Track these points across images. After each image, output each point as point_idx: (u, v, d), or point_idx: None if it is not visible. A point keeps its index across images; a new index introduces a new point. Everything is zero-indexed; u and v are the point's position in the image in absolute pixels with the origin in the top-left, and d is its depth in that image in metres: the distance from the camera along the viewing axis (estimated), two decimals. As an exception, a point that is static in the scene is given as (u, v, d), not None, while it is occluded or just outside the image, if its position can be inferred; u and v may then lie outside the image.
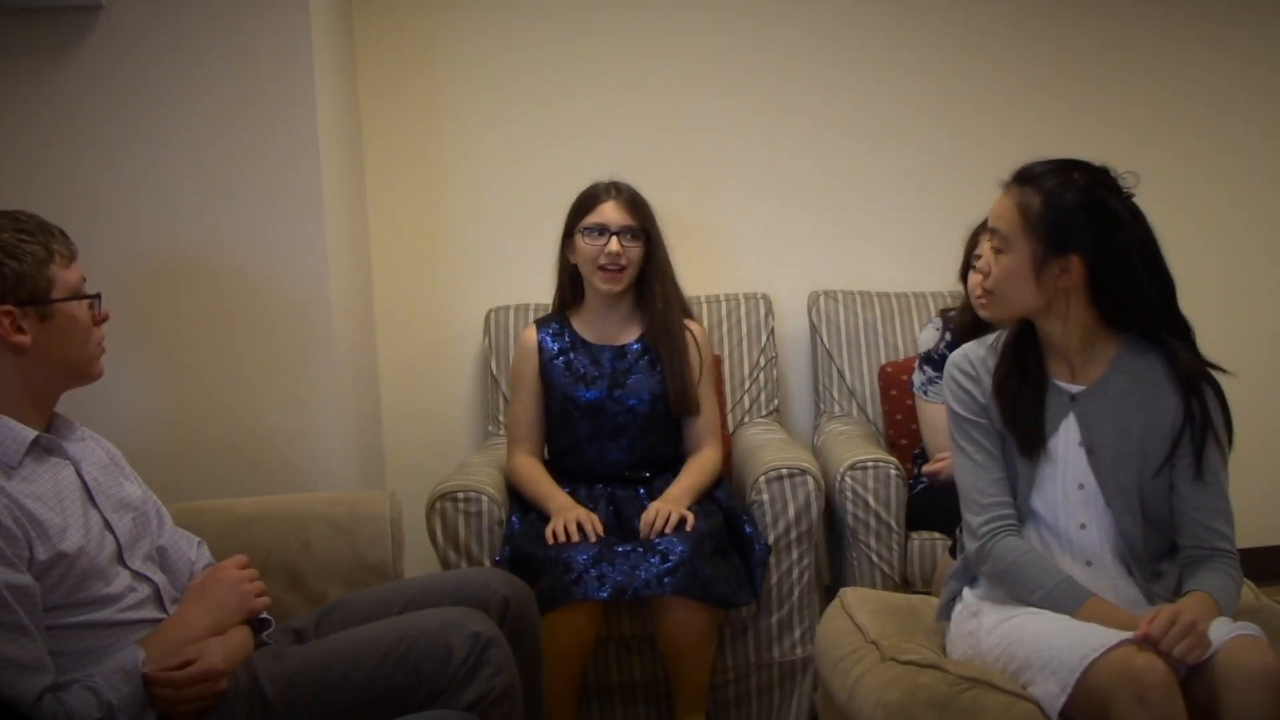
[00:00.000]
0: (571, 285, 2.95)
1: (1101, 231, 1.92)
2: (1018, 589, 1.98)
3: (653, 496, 2.80)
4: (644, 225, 2.84)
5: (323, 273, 2.76)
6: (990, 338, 2.12)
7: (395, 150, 3.47)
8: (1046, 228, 1.93)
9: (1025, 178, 1.98)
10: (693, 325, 2.94)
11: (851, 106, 3.61)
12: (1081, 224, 1.92)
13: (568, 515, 2.65)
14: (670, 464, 2.91)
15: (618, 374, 2.87)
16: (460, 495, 2.71)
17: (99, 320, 1.93)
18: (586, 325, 2.93)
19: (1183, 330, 2.00)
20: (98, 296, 1.93)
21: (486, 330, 3.41)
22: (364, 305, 3.32)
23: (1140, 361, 2.00)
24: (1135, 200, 1.97)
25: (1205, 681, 1.75)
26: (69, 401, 1.95)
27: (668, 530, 2.60)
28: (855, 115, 3.61)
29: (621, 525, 2.75)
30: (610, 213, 2.82)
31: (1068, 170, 1.96)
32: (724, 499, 2.83)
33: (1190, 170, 3.71)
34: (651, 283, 2.87)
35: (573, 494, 2.81)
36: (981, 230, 2.82)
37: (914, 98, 3.62)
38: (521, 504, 2.84)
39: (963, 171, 3.55)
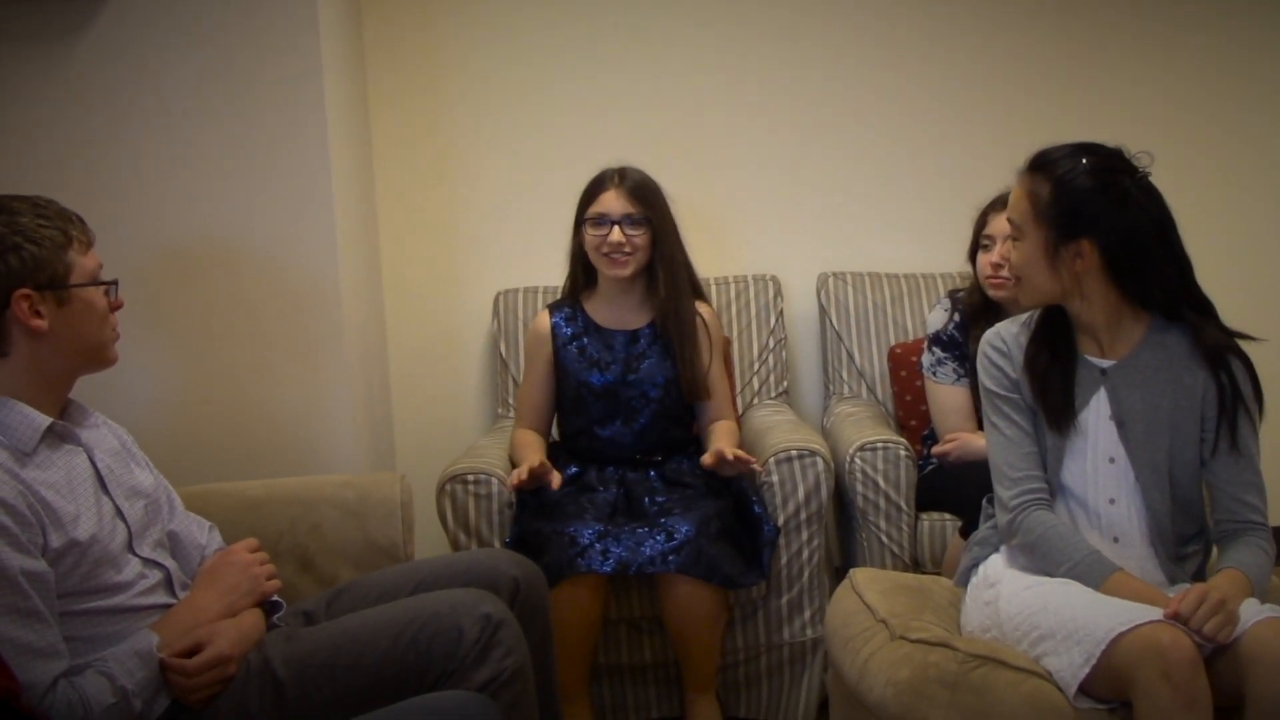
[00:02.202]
0: (585, 271, 2.94)
1: (1111, 213, 1.94)
2: (1046, 562, 2.00)
3: (664, 479, 2.81)
4: (646, 213, 2.82)
5: (332, 256, 2.76)
6: (1024, 316, 2.15)
7: (403, 133, 3.47)
8: (1056, 215, 1.96)
9: (1036, 165, 2.01)
10: (703, 308, 2.93)
11: (861, 88, 3.59)
12: (1090, 209, 1.94)
13: (528, 462, 2.68)
14: (682, 446, 2.92)
15: (631, 358, 2.88)
16: (470, 477, 2.72)
17: (114, 307, 1.93)
18: (599, 310, 2.94)
19: (1204, 306, 2.01)
20: (115, 283, 1.93)
21: (495, 313, 3.42)
22: (373, 288, 3.33)
23: (1169, 337, 2.02)
24: (1150, 179, 1.98)
25: (1231, 661, 1.75)
26: (80, 384, 1.95)
27: (737, 458, 2.65)
28: (864, 97, 3.59)
29: (631, 506, 2.76)
30: (611, 202, 2.81)
31: (1077, 155, 1.98)
32: (734, 479, 2.83)
33: (1200, 151, 3.67)
34: (656, 269, 2.86)
35: (582, 475, 2.83)
36: (990, 211, 2.82)
37: (923, 80, 3.60)
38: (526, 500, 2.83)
39: (971, 153, 3.54)
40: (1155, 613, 1.78)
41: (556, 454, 2.93)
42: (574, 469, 2.87)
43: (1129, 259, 1.96)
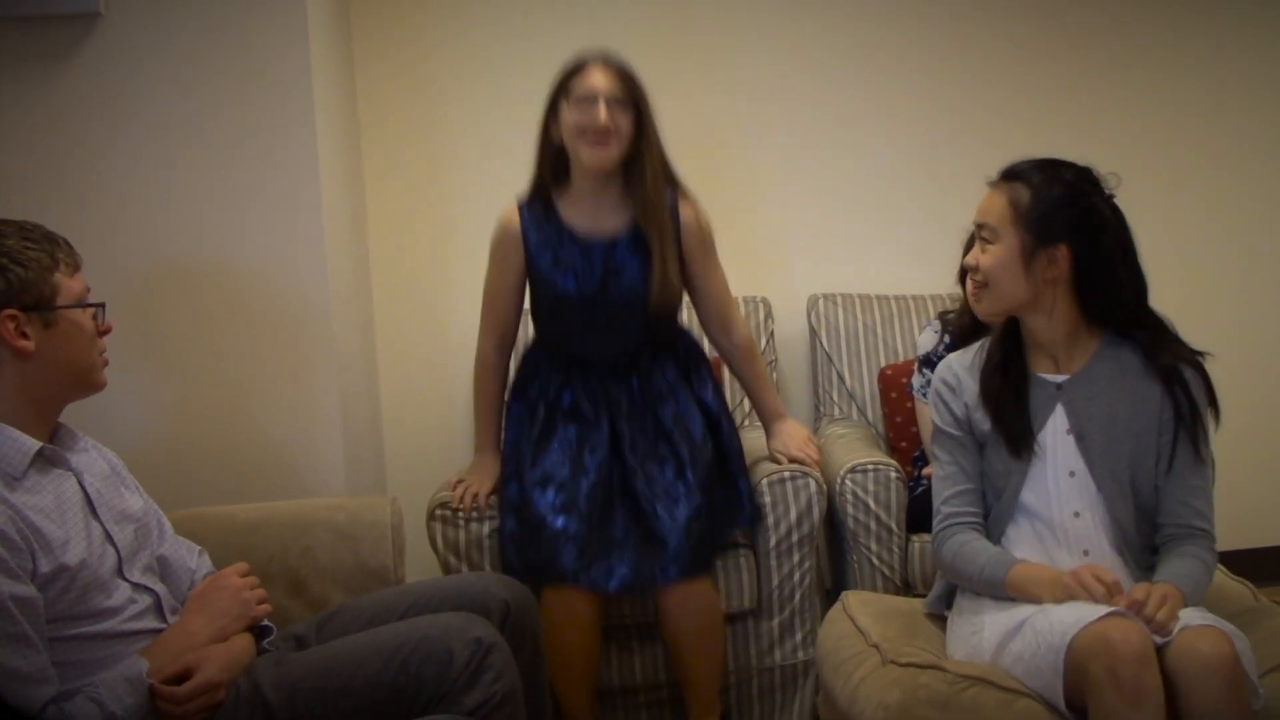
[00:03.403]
0: (553, 167, 2.70)
1: (1086, 224, 1.99)
2: (962, 578, 2.07)
3: (646, 386, 2.73)
4: (634, 96, 2.62)
5: (322, 278, 2.77)
6: (975, 345, 2.17)
7: (394, 154, 3.48)
8: (1036, 219, 1.99)
9: (1013, 174, 2.05)
10: (686, 208, 2.72)
11: (850, 110, 3.61)
12: (1069, 216, 1.98)
13: (471, 486, 2.72)
14: (667, 347, 2.79)
15: (610, 270, 2.67)
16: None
17: (102, 331, 1.93)
18: (574, 211, 2.69)
19: (1156, 325, 2.04)
20: (102, 305, 1.93)
21: (486, 335, 3.41)
22: (364, 310, 3.33)
23: (1122, 351, 2.05)
24: (1116, 201, 2.02)
25: (1162, 670, 1.75)
26: (70, 408, 1.95)
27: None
28: (853, 119, 3.61)
29: (623, 480, 2.67)
30: (599, 79, 2.59)
31: (1055, 167, 2.03)
32: (714, 405, 2.77)
33: (1184, 170, 3.72)
34: (642, 160, 2.63)
35: (554, 401, 2.72)
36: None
37: (912, 102, 3.62)
38: (518, 466, 2.72)
39: (961, 175, 3.54)
40: (1103, 608, 1.79)
41: (534, 367, 2.81)
42: (555, 380, 2.75)
43: (1097, 273, 1.99)
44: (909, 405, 3.14)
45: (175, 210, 2.70)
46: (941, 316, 3.02)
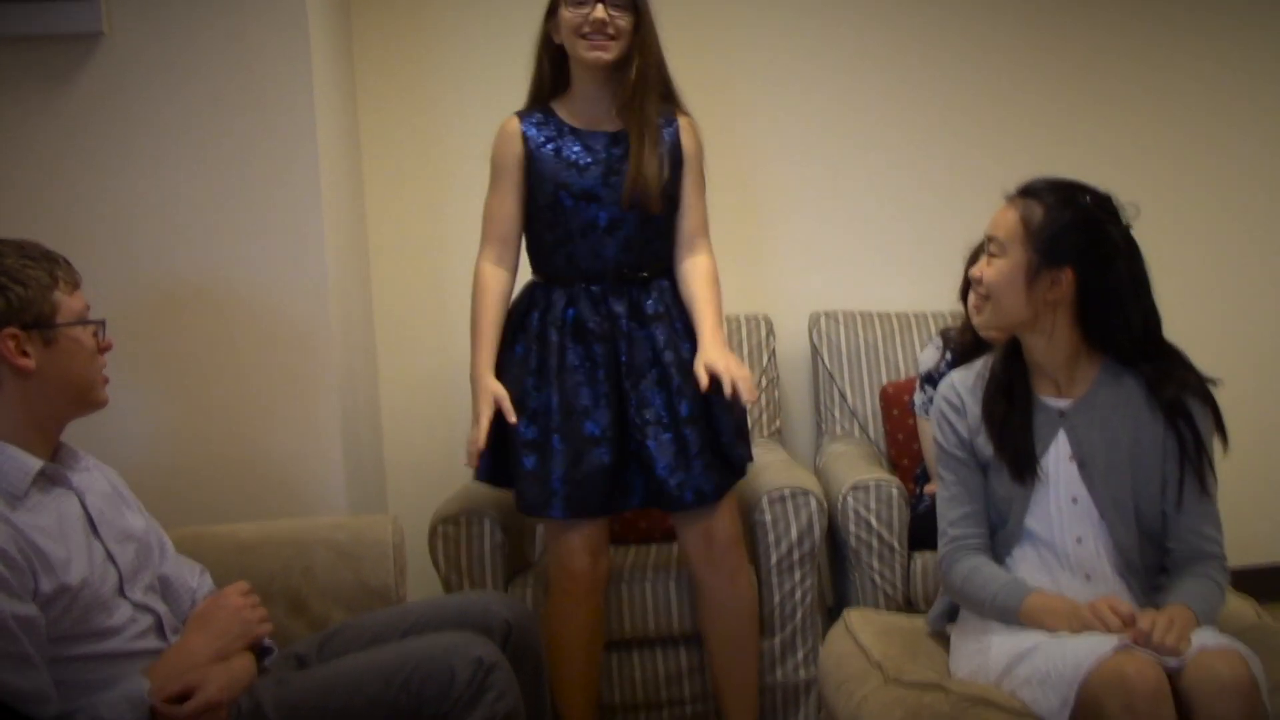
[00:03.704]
0: (552, 73, 2.66)
1: (1095, 252, 1.97)
2: (973, 604, 2.04)
3: (643, 300, 2.64)
4: None
5: (324, 296, 2.77)
6: (978, 363, 2.15)
7: (395, 170, 3.48)
8: (1045, 239, 1.98)
9: (1030, 191, 2.04)
10: (681, 120, 2.67)
11: (852, 127, 3.62)
12: (1078, 240, 1.97)
13: (480, 425, 2.53)
14: (663, 271, 2.70)
15: (613, 160, 2.60)
16: (462, 518, 2.71)
17: (103, 348, 1.94)
18: (574, 112, 2.64)
19: (1167, 354, 2.03)
20: (102, 323, 1.94)
21: (488, 352, 3.41)
22: (365, 327, 3.33)
23: (1124, 377, 2.04)
24: (1131, 231, 2.01)
25: (1178, 692, 1.75)
26: (71, 426, 1.95)
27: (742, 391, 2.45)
28: (856, 135, 3.62)
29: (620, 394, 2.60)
30: None
31: (1073, 190, 2.01)
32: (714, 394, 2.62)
33: (1193, 187, 3.72)
34: (633, 58, 2.57)
35: (560, 321, 2.62)
36: (981, 250, 2.84)
37: (914, 117, 3.63)
38: (540, 400, 2.60)
39: (963, 191, 3.56)
40: (1114, 639, 1.79)
41: (531, 297, 2.70)
42: (555, 295, 2.65)
43: (1102, 301, 1.98)
44: (911, 422, 3.14)
45: (177, 228, 2.71)
46: (943, 333, 3.02)
